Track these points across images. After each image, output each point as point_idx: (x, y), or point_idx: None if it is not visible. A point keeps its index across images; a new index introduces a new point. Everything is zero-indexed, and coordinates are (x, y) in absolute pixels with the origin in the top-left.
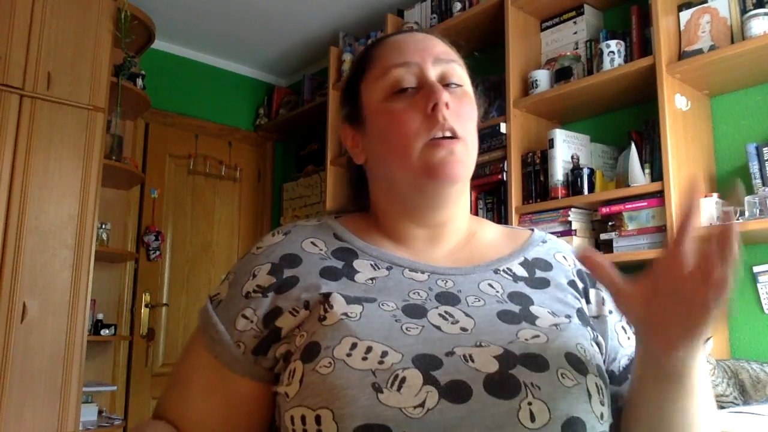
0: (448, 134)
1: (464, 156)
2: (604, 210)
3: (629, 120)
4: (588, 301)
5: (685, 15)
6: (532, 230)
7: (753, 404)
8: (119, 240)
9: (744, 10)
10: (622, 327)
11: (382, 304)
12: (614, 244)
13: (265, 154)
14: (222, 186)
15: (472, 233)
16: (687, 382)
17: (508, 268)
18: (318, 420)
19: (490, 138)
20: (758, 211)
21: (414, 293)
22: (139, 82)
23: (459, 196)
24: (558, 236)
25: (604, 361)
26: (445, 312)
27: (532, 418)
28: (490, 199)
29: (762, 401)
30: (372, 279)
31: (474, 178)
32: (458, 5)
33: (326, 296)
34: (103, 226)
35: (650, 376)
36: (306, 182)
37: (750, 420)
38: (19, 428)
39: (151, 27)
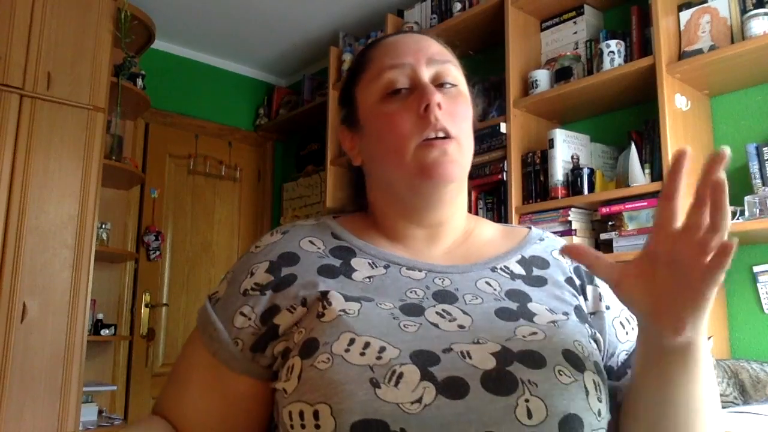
0: (441, 134)
1: (458, 155)
2: (604, 210)
3: (629, 120)
4: (585, 298)
5: (685, 15)
6: (530, 228)
7: (753, 404)
8: (119, 240)
9: (744, 10)
10: (620, 322)
11: (380, 303)
12: (614, 244)
13: (265, 154)
14: (222, 186)
15: (470, 232)
16: (692, 365)
17: (505, 266)
18: (316, 415)
19: (490, 138)
20: (758, 211)
21: (411, 292)
22: (139, 82)
23: (455, 196)
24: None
25: (603, 357)
26: (443, 310)
27: (529, 415)
28: (490, 199)
29: (762, 401)
30: (369, 277)
31: (474, 178)
32: (458, 5)
33: (324, 294)
34: (103, 226)
35: (654, 362)
36: (306, 182)
37: (750, 420)
38: (19, 428)
39: (151, 27)
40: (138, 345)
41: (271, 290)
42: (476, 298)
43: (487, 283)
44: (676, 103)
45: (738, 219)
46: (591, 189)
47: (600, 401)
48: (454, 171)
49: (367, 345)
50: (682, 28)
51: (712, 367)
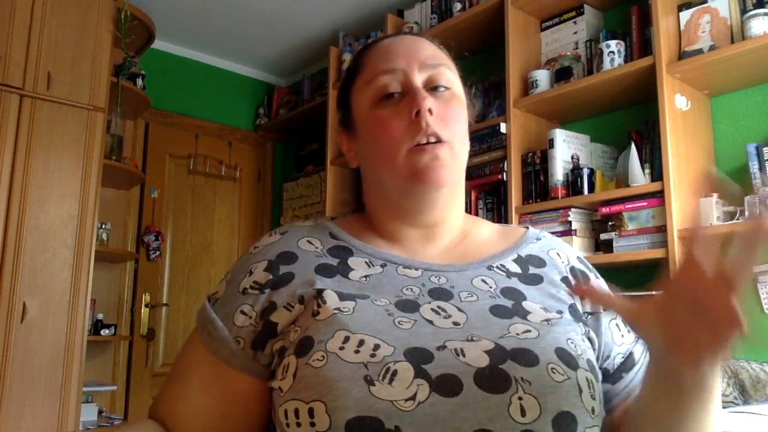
0: (432, 139)
1: (449, 160)
2: (604, 210)
3: (629, 120)
4: (582, 297)
5: (685, 15)
6: (527, 228)
7: (753, 404)
8: (119, 240)
9: (744, 10)
10: (616, 324)
11: (375, 300)
12: (614, 244)
13: (265, 154)
14: (222, 186)
15: (467, 232)
16: (706, 398)
17: (501, 265)
18: (311, 413)
19: (490, 138)
20: (758, 211)
21: (407, 289)
22: (139, 82)
23: (450, 198)
24: (558, 236)
25: (598, 359)
26: (438, 307)
27: (523, 413)
28: (490, 199)
29: (762, 401)
30: (366, 276)
31: (474, 178)
32: (458, 5)
33: (320, 292)
34: (103, 226)
35: (666, 393)
36: (306, 182)
37: (750, 420)
38: (19, 428)
39: (151, 27)
40: (138, 345)
41: (269, 288)
42: (471, 296)
43: (483, 280)
44: (676, 103)
45: (738, 219)
46: (591, 189)
47: (593, 399)
48: (445, 175)
49: (361, 343)
50: (682, 28)
51: (720, 396)
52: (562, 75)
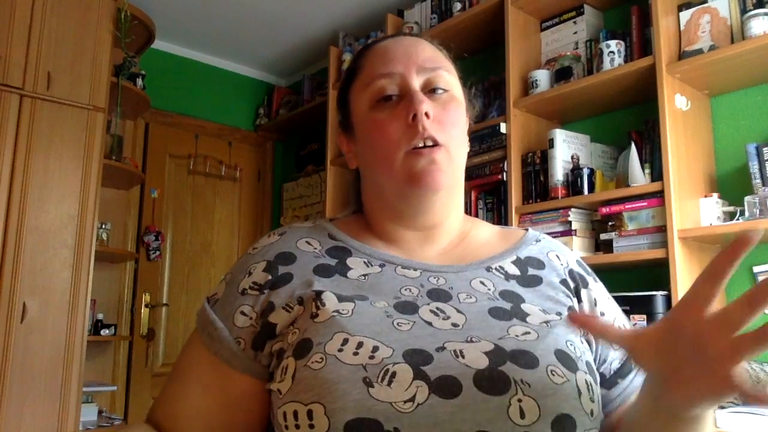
0: (429, 143)
1: (446, 164)
2: (604, 210)
3: (629, 120)
4: (580, 300)
5: (685, 15)
6: (527, 230)
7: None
8: (119, 240)
9: (744, 10)
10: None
11: (374, 302)
12: (614, 244)
13: (265, 154)
14: (222, 186)
15: (466, 233)
16: (700, 426)
17: (500, 267)
18: (310, 415)
19: (490, 138)
20: (758, 211)
21: (406, 290)
22: (139, 82)
23: (448, 200)
24: (558, 236)
25: (595, 361)
26: (437, 308)
27: (522, 415)
28: (490, 199)
29: None
30: (364, 275)
31: (474, 178)
32: (458, 5)
33: (318, 294)
34: (103, 226)
35: (656, 420)
36: (306, 182)
37: (750, 420)
38: (19, 428)
39: (151, 27)
40: (138, 345)
41: (268, 289)
42: (470, 297)
43: (482, 282)
44: (676, 103)
45: (738, 219)
46: (591, 189)
47: (592, 401)
48: (441, 179)
49: (360, 345)
50: (682, 28)
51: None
52: (562, 75)
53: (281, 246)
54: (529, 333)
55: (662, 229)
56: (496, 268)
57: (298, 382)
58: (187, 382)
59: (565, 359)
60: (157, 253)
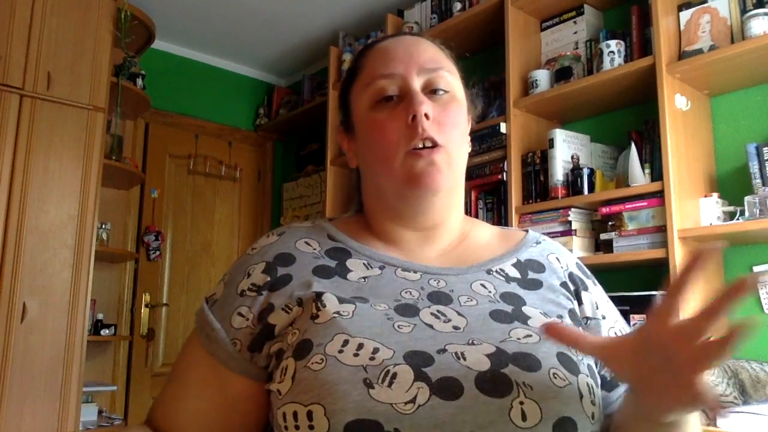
0: (428, 144)
1: (445, 165)
2: (604, 210)
3: (629, 120)
4: (581, 303)
5: (685, 15)
6: (527, 231)
7: (753, 404)
8: (119, 240)
9: (744, 10)
10: (615, 333)
11: (375, 304)
12: (614, 244)
13: (265, 154)
14: (222, 186)
15: (466, 234)
16: (682, 430)
17: (500, 269)
18: (310, 416)
19: (490, 138)
20: (758, 211)
21: (406, 292)
22: (139, 82)
23: (448, 201)
24: (558, 236)
25: (597, 364)
26: (437, 311)
27: (524, 417)
28: (490, 199)
29: (762, 401)
30: (364, 278)
31: (474, 178)
32: (458, 5)
33: (319, 295)
34: (103, 226)
35: (639, 424)
36: (306, 182)
37: (750, 420)
38: (19, 428)
39: (151, 27)
40: (138, 345)
41: (267, 290)
42: (471, 300)
43: (482, 285)
44: (676, 103)
45: (738, 219)
46: (591, 189)
47: (594, 404)
48: (441, 180)
49: (360, 346)
50: (682, 28)
51: (698, 425)
52: (562, 75)
53: (280, 247)
54: (530, 336)
55: (662, 229)
56: (496, 271)
57: (298, 383)
58: (185, 383)
59: (567, 362)
60: (157, 253)
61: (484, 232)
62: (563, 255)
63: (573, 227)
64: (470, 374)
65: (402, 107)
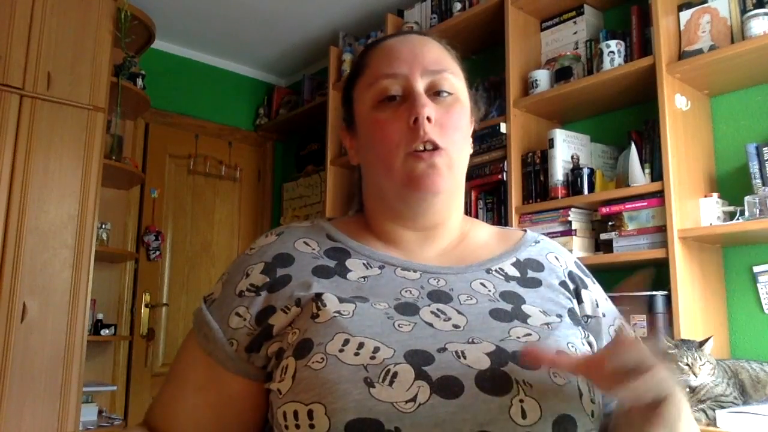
0: (429, 147)
1: (446, 168)
2: (604, 210)
3: (629, 120)
4: (580, 301)
5: (685, 15)
6: (525, 231)
7: (753, 404)
8: (119, 240)
9: (744, 10)
10: (615, 331)
11: (375, 303)
12: (614, 244)
13: (265, 154)
14: (222, 186)
15: (465, 234)
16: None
17: (500, 268)
18: (310, 414)
19: (490, 138)
20: (758, 211)
21: (406, 291)
22: (139, 82)
23: (448, 202)
24: (558, 236)
25: None
26: (437, 309)
27: (524, 415)
28: (490, 199)
29: (762, 401)
30: (364, 277)
31: (474, 178)
32: (458, 5)
33: (318, 295)
34: (103, 226)
35: (631, 427)
36: (306, 182)
37: (750, 420)
38: (19, 428)
39: (151, 27)
40: (138, 345)
41: (266, 291)
42: (471, 299)
43: (482, 284)
44: (676, 103)
45: (738, 219)
46: (591, 189)
47: (593, 402)
48: (441, 183)
49: (361, 345)
50: (682, 28)
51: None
52: (562, 75)
53: (279, 247)
54: (530, 334)
55: (662, 229)
56: (496, 270)
57: (298, 382)
58: (182, 384)
59: None
60: (157, 253)
61: (483, 231)
62: (562, 254)
63: (573, 227)
64: (470, 373)
65: (405, 108)
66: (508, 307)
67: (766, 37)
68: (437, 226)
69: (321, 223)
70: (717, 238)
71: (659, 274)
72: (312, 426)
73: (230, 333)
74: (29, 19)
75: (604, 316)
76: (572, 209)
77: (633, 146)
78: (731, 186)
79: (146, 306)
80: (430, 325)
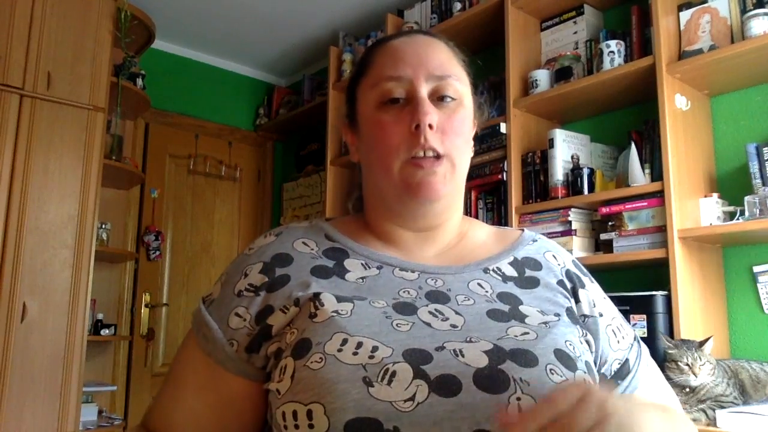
0: (429, 154)
1: (447, 174)
2: (604, 210)
3: (629, 120)
4: (578, 300)
5: (685, 15)
6: (522, 230)
7: (753, 404)
8: (119, 240)
9: (744, 10)
10: (612, 331)
11: (373, 302)
12: (614, 244)
13: (265, 154)
14: (222, 186)
15: (463, 234)
16: None
17: (497, 268)
18: (309, 414)
19: (490, 138)
20: (758, 211)
21: (404, 291)
22: (139, 82)
23: (447, 206)
24: (558, 236)
25: (595, 363)
26: (435, 309)
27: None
28: (490, 199)
29: (762, 401)
30: (362, 278)
31: (474, 178)
32: (458, 5)
33: (317, 295)
34: (103, 226)
35: None
36: (306, 182)
37: (750, 420)
38: (19, 428)
39: (151, 27)
40: (138, 345)
41: (265, 291)
42: (468, 299)
43: (479, 284)
44: (676, 103)
45: (738, 219)
46: (591, 189)
47: None
48: (440, 190)
49: (359, 345)
50: (682, 28)
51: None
52: (562, 75)
53: (278, 247)
54: (528, 333)
55: (662, 229)
56: (493, 270)
57: (297, 382)
58: (181, 385)
59: (565, 359)
60: (157, 253)
61: (481, 231)
62: (560, 253)
63: (573, 227)
64: (468, 371)
65: (407, 111)
66: (506, 308)
67: (766, 37)
68: (436, 228)
69: (319, 223)
70: (717, 238)
71: (659, 274)
72: (311, 426)
73: (230, 333)
74: (29, 19)
75: (601, 315)
76: (572, 209)
77: (633, 146)
78: (731, 186)
79: (146, 306)
80: (428, 324)
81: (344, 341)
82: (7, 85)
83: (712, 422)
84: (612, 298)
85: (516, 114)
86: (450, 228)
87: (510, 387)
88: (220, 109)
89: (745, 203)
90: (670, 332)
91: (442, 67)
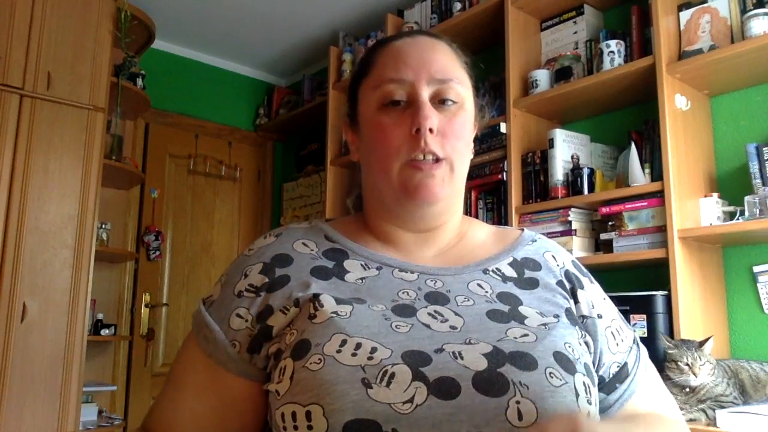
0: (429, 157)
1: (446, 177)
2: (604, 210)
3: (629, 120)
4: (577, 301)
5: (685, 15)
6: (522, 230)
7: (753, 404)
8: (119, 240)
9: (744, 10)
10: (611, 332)
11: (372, 305)
12: (614, 244)
13: (265, 154)
14: (222, 186)
15: (463, 234)
16: None
17: (497, 268)
18: (308, 416)
19: (490, 138)
20: (758, 211)
21: (403, 293)
22: (139, 82)
23: (446, 207)
24: (558, 236)
25: (594, 364)
26: (435, 311)
27: (520, 417)
28: (490, 199)
29: (762, 401)
30: (362, 279)
31: (474, 178)
32: (458, 5)
33: (316, 296)
34: (103, 226)
35: None
36: (306, 182)
37: (750, 420)
38: (19, 428)
39: (151, 27)
40: (138, 345)
41: (265, 291)
42: (468, 300)
43: (479, 285)
44: (676, 103)
45: (738, 219)
46: (591, 189)
47: (590, 403)
48: (439, 192)
49: (358, 346)
50: (682, 28)
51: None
52: (562, 75)
53: (278, 248)
54: (527, 335)
55: (662, 229)
56: (493, 270)
57: (296, 383)
58: (182, 386)
59: (564, 361)
60: (157, 253)
61: (481, 231)
62: (559, 253)
63: (573, 227)
64: (467, 374)
65: (408, 114)
66: (505, 308)
67: (766, 37)
68: (435, 229)
69: (319, 224)
70: (717, 238)
71: (659, 274)
72: (310, 427)
73: (232, 334)
74: (29, 19)
75: (600, 317)
76: (572, 209)
77: (633, 146)
78: (731, 186)
79: (146, 306)
80: (427, 326)
81: (343, 342)
82: (7, 85)
83: (712, 422)
84: (612, 298)
85: (516, 114)
86: (449, 229)
87: (509, 390)
88: (220, 109)
89: (745, 203)
90: (670, 332)
91: (444, 70)
